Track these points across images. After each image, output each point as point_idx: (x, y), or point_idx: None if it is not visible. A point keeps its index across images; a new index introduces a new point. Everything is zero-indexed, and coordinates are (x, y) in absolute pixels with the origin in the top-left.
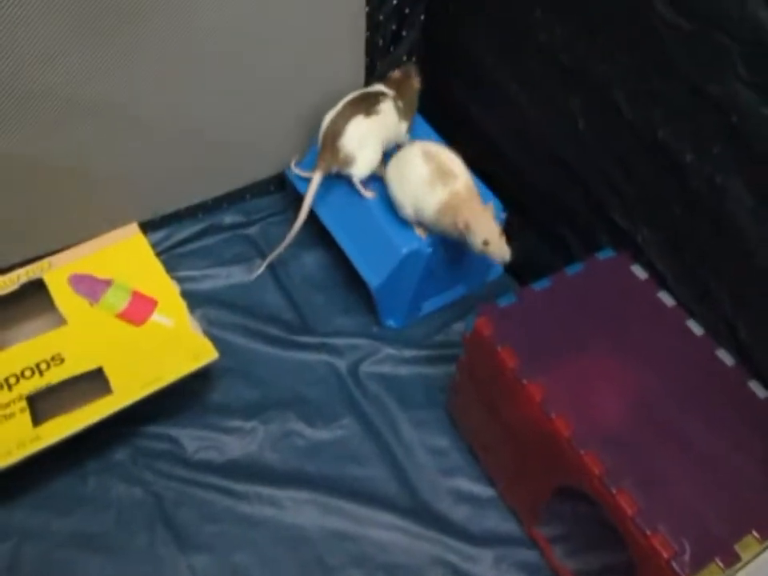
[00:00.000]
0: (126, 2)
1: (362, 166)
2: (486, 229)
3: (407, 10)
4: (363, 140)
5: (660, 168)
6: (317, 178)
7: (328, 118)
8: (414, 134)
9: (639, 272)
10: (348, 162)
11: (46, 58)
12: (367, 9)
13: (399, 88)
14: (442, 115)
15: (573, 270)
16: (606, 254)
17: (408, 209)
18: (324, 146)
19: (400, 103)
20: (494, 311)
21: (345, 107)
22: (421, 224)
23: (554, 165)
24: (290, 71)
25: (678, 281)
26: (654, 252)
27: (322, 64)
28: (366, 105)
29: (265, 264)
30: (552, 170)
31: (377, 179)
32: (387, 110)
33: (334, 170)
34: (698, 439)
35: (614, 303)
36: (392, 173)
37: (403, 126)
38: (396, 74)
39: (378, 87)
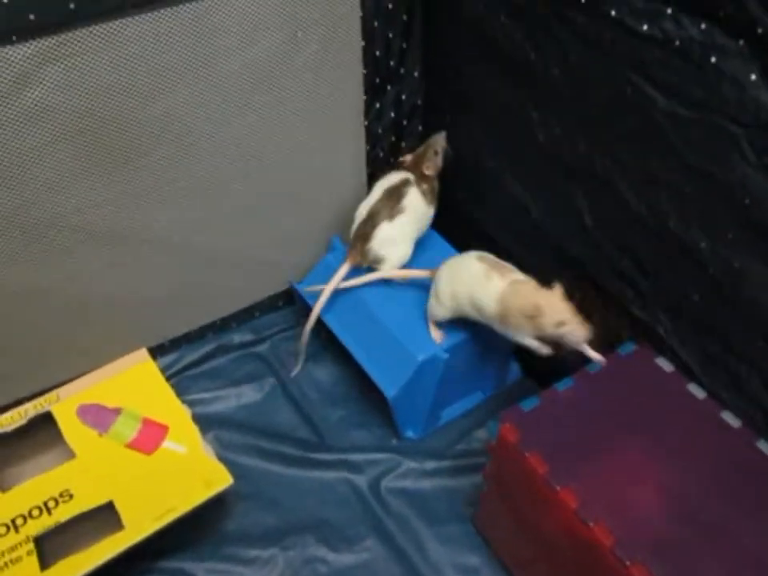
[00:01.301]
0: (131, 133)
1: (391, 264)
2: (558, 308)
3: (405, 122)
4: (391, 242)
5: (674, 256)
6: (345, 267)
7: (358, 219)
8: (424, 244)
9: (664, 364)
10: (377, 262)
11: (53, 189)
12: (366, 123)
13: (416, 170)
14: (447, 221)
15: (595, 366)
16: (627, 348)
17: (466, 307)
18: (354, 246)
19: (424, 186)
20: (518, 416)
21: (373, 208)
22: (442, 325)
23: (564, 262)
24: (294, 188)
25: (705, 371)
26: (678, 342)
27: (325, 179)
28: (392, 204)
29: (296, 369)
30: (563, 268)
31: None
32: (413, 201)
33: (364, 265)
34: (749, 540)
35: (642, 399)
36: (444, 278)
37: (431, 210)
38: (408, 159)
39: (400, 175)
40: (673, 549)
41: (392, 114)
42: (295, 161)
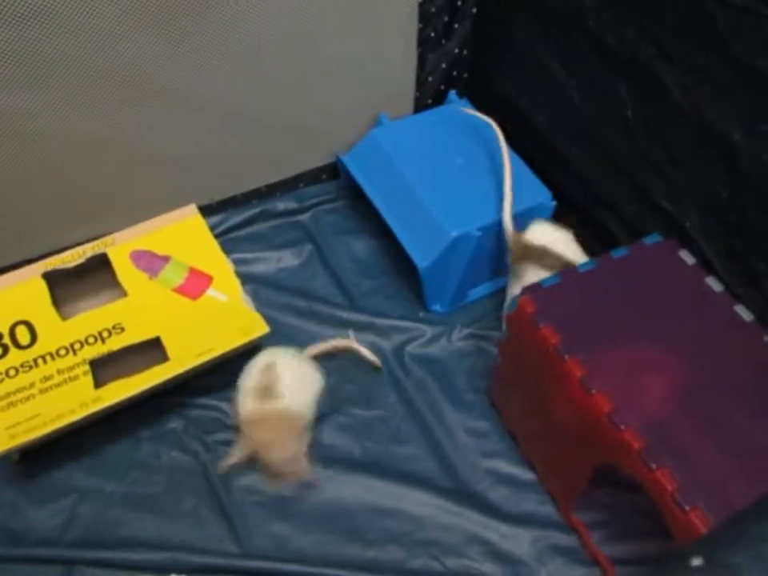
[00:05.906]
0: None
1: None
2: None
3: (459, 3)
4: None
5: (708, 150)
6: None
7: None
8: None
9: (687, 257)
10: None
11: (110, 38)
12: (420, 1)
13: None
14: (491, 106)
15: (618, 253)
16: (652, 239)
17: None
18: None
19: None
20: (538, 291)
21: None
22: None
23: (600, 151)
24: (345, 62)
25: (725, 266)
26: (702, 237)
27: (376, 55)
28: None
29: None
30: (598, 157)
31: None
32: None
33: None
34: (743, 429)
35: (660, 288)
36: None
37: None
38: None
39: None
40: (668, 427)
41: None
42: (347, 34)
